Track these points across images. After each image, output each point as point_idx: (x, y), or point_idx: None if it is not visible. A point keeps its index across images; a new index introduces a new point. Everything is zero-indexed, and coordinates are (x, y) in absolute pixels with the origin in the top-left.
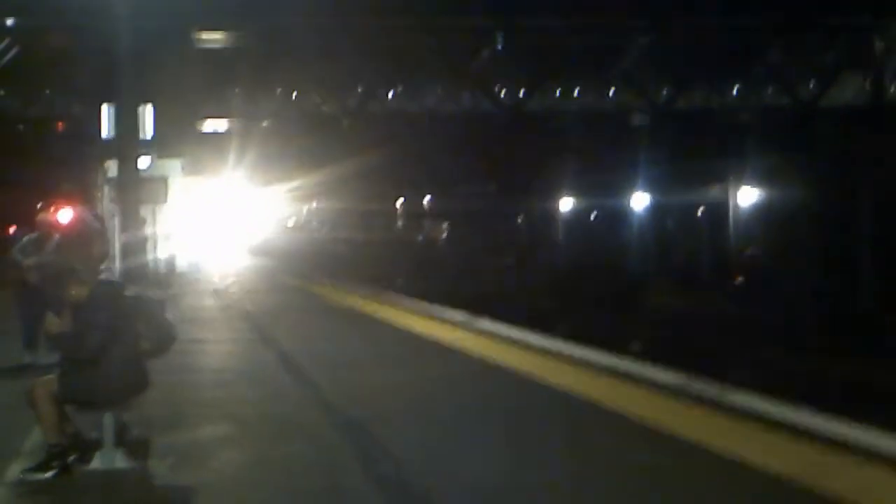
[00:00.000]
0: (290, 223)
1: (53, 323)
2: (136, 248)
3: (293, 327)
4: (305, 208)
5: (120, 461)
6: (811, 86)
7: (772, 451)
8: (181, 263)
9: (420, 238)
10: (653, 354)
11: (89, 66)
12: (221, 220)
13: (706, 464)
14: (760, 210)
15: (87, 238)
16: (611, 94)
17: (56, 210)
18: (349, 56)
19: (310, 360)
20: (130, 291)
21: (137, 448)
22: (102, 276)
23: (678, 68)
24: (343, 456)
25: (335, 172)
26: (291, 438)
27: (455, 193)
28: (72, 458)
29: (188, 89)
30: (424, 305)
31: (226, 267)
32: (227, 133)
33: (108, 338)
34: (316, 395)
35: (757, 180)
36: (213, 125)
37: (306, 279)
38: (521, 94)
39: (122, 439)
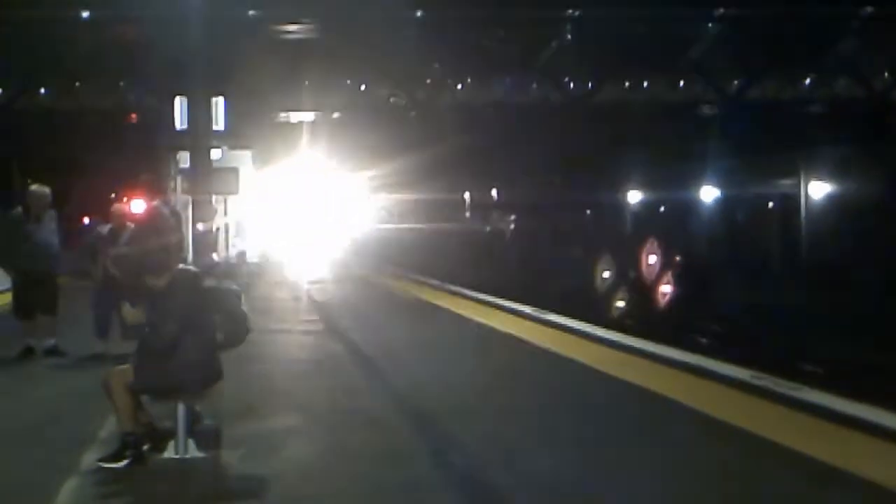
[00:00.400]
0: (361, 215)
1: (130, 313)
2: (208, 238)
3: (362, 318)
4: (376, 200)
5: (192, 451)
6: (885, 76)
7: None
8: (253, 254)
9: (487, 229)
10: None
11: (163, 57)
12: (294, 211)
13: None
14: (833, 203)
15: (161, 229)
16: (681, 85)
17: (130, 201)
18: (418, 48)
19: (379, 351)
20: (209, 282)
21: (210, 438)
22: (180, 266)
23: (749, 59)
24: (413, 447)
25: (404, 164)
26: (362, 429)
27: (523, 185)
28: (146, 447)
29: (260, 80)
30: (491, 297)
31: (297, 258)
32: (299, 124)
33: (184, 328)
34: (384, 387)
35: (829, 173)
36: (284, 116)
37: (377, 271)
38: (589, 86)
39: (195, 429)
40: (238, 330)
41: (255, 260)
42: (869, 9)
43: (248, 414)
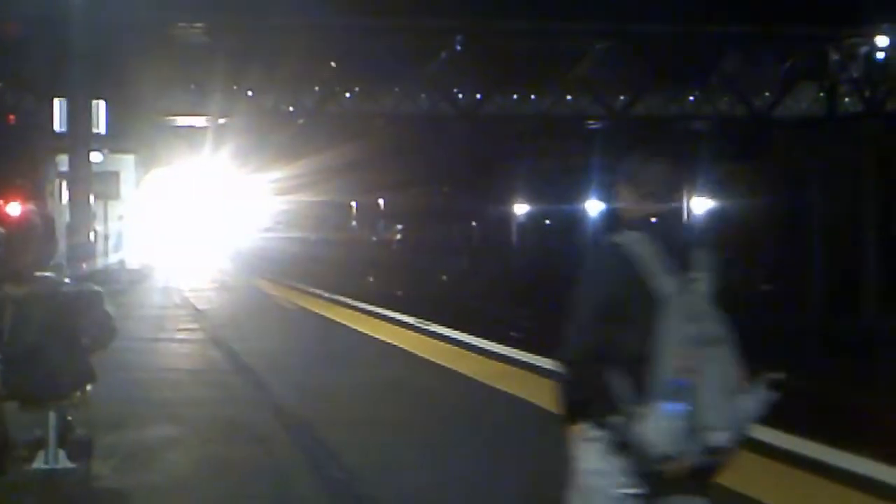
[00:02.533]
0: (247, 222)
1: None
2: (85, 243)
3: (242, 326)
4: (262, 208)
5: (63, 461)
6: (766, 95)
7: None
8: (136, 261)
9: (374, 238)
10: None
11: (43, 58)
12: (180, 217)
13: None
14: (714, 218)
15: (32, 235)
16: (568, 99)
17: (5, 204)
18: (306, 55)
19: (260, 361)
20: (68, 287)
21: (81, 448)
22: (37, 274)
23: (635, 75)
24: (291, 459)
25: (292, 172)
26: (240, 441)
27: (410, 195)
28: (10, 457)
29: (145, 84)
30: (374, 308)
31: (183, 265)
32: (186, 129)
33: (45, 334)
34: (265, 397)
35: (711, 189)
36: (170, 121)
37: (261, 279)
38: (478, 98)
39: (66, 439)
40: (103, 331)
41: (135, 266)
42: (750, 28)
43: (122, 424)
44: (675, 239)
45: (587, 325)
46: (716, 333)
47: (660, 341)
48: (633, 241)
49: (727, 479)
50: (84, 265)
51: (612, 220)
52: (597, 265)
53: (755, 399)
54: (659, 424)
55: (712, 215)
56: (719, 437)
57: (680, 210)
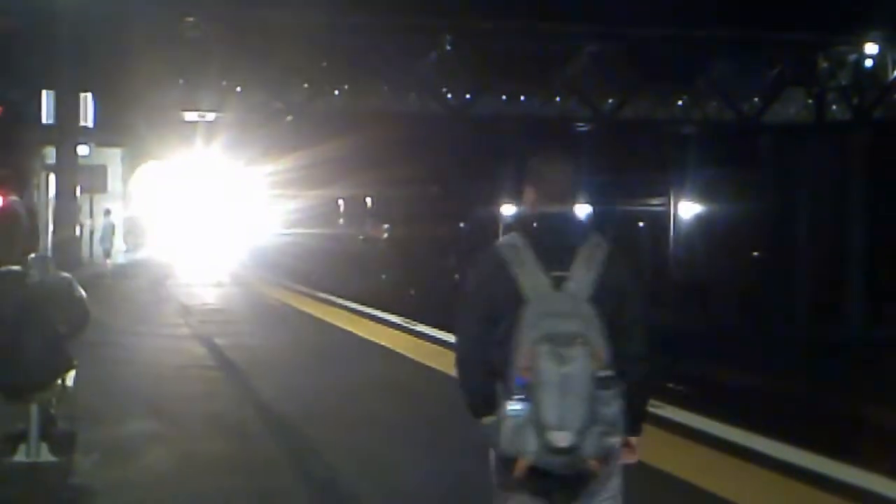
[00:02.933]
0: (236, 218)
1: None
2: (70, 234)
3: (227, 322)
4: (251, 204)
5: (45, 454)
6: (755, 101)
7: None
8: (126, 254)
9: (361, 237)
10: None
11: (31, 49)
12: (172, 212)
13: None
14: (700, 222)
15: (14, 227)
16: (556, 100)
17: None
18: (296, 52)
19: (243, 356)
20: (34, 277)
21: (63, 442)
22: (3, 268)
23: (624, 78)
24: (272, 456)
25: (281, 168)
26: (222, 437)
27: (398, 194)
28: None
29: (133, 78)
30: (360, 306)
31: (170, 258)
32: (176, 124)
33: (18, 326)
34: (247, 393)
35: (698, 193)
36: (159, 115)
37: (248, 274)
38: (467, 97)
39: (48, 432)
40: (77, 317)
41: (122, 261)
42: (739, 33)
43: (104, 418)
44: (557, 239)
45: (469, 327)
46: (575, 332)
47: (514, 340)
48: (510, 243)
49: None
50: (70, 257)
51: (512, 221)
52: (478, 267)
53: (613, 399)
54: (503, 424)
55: (699, 219)
56: (560, 437)
57: (572, 211)
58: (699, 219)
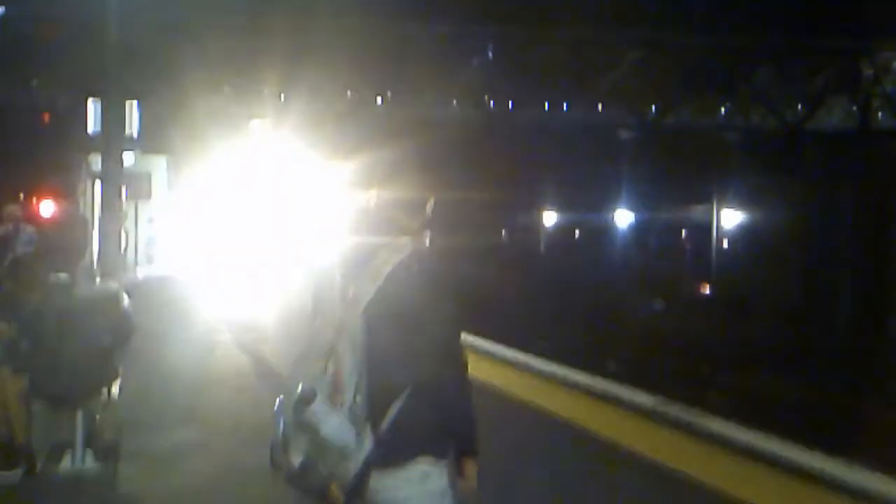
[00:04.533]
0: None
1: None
2: (113, 242)
3: (261, 328)
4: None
5: (90, 462)
6: (798, 108)
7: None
8: (166, 265)
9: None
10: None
11: (79, 58)
12: (224, 219)
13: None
14: (744, 231)
15: (67, 235)
16: (600, 108)
17: (38, 203)
18: (339, 60)
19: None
20: (82, 288)
21: (108, 450)
22: (52, 278)
23: (667, 85)
24: None
25: (323, 177)
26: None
27: (441, 201)
28: (41, 458)
29: (180, 85)
30: None
31: (211, 267)
32: (220, 131)
33: (63, 336)
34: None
35: (741, 201)
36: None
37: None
38: (509, 105)
39: (93, 441)
40: (122, 329)
41: (164, 273)
42: (782, 40)
43: (148, 426)
44: None
45: None
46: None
47: None
48: None
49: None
50: (108, 261)
51: None
52: None
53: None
54: None
55: (742, 228)
56: None
57: None
58: (742, 227)
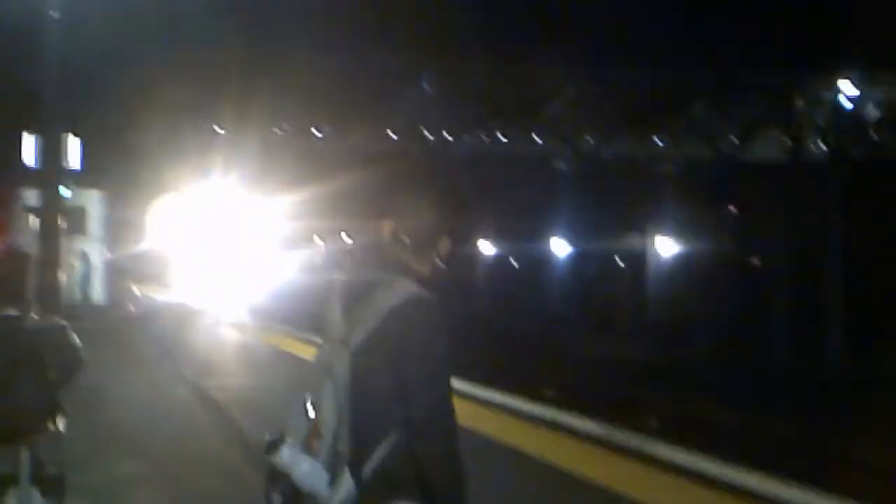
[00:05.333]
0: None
1: None
2: (53, 277)
3: (206, 363)
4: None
5: (36, 499)
6: (733, 140)
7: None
8: (104, 297)
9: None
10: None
11: (14, 91)
12: (178, 250)
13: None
14: (679, 260)
15: (15, 266)
16: (537, 139)
17: None
18: (276, 91)
19: (226, 397)
20: (30, 322)
21: (54, 486)
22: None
23: (603, 118)
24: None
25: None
26: (210, 477)
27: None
28: None
29: (115, 119)
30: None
31: (154, 298)
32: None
33: (9, 371)
34: (233, 433)
35: (677, 230)
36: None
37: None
38: (447, 137)
39: (38, 476)
40: (70, 362)
41: (105, 303)
42: (718, 74)
43: (93, 461)
44: None
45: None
46: None
47: None
48: None
49: None
50: (55, 301)
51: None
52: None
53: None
54: None
55: (678, 258)
56: None
57: None
58: (678, 256)
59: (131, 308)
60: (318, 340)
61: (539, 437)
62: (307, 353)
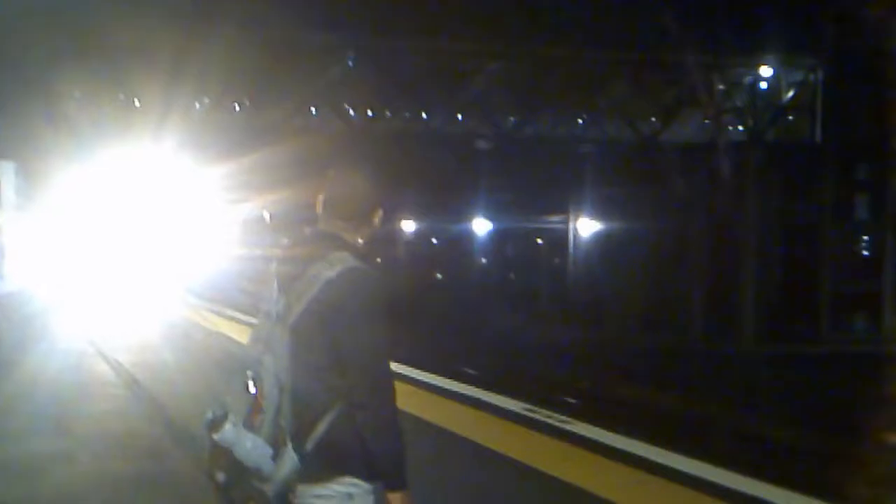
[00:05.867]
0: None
1: None
2: None
3: (125, 339)
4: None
5: None
6: (653, 120)
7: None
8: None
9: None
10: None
11: None
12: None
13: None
14: (599, 239)
15: None
16: (459, 118)
17: None
18: (197, 65)
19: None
20: None
21: None
22: None
23: (526, 97)
24: (183, 472)
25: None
26: (131, 456)
27: (295, 212)
28: None
29: (30, 89)
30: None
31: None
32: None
33: None
34: (155, 410)
35: (597, 210)
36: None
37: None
38: (369, 114)
39: None
40: None
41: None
42: (638, 54)
43: (14, 438)
44: None
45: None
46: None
47: None
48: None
49: None
50: None
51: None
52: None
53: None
54: None
55: (598, 237)
56: None
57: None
58: (598, 236)
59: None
60: (243, 317)
61: (460, 415)
62: (234, 329)
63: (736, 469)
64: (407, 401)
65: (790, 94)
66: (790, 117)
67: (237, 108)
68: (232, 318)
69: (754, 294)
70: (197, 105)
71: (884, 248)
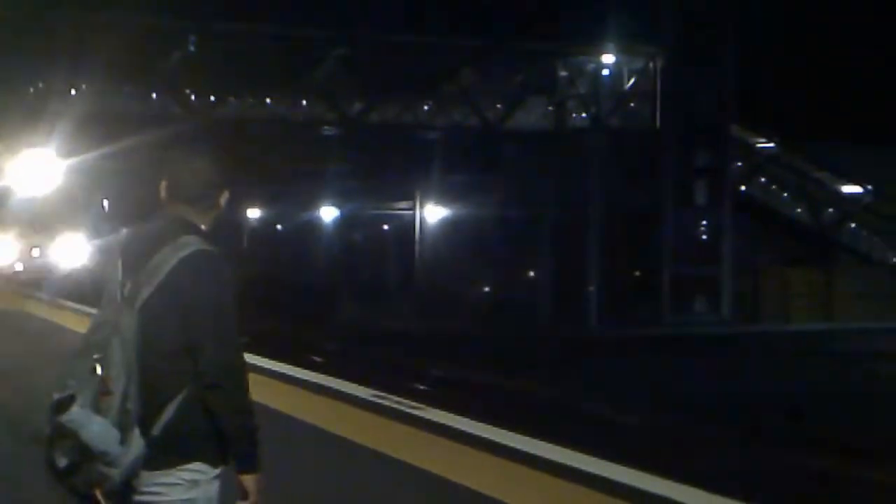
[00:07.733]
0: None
1: None
2: None
3: None
4: None
5: None
6: (498, 108)
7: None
8: None
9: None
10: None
11: None
12: None
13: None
14: (446, 226)
15: None
16: (304, 104)
17: None
18: (29, 47)
19: None
20: None
21: None
22: None
23: (371, 83)
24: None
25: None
26: None
27: (133, 196)
28: None
29: None
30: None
31: None
32: None
33: None
34: None
35: (444, 197)
36: None
37: None
38: (211, 100)
39: None
40: None
41: None
42: (483, 41)
43: None
44: None
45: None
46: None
47: None
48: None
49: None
50: None
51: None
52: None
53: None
54: None
55: (444, 224)
56: None
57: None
58: (445, 223)
59: None
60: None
61: (308, 402)
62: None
63: (581, 449)
64: (253, 389)
65: (631, 81)
66: (632, 104)
67: (73, 93)
68: (71, 309)
69: (598, 279)
70: (31, 89)
71: (722, 232)
